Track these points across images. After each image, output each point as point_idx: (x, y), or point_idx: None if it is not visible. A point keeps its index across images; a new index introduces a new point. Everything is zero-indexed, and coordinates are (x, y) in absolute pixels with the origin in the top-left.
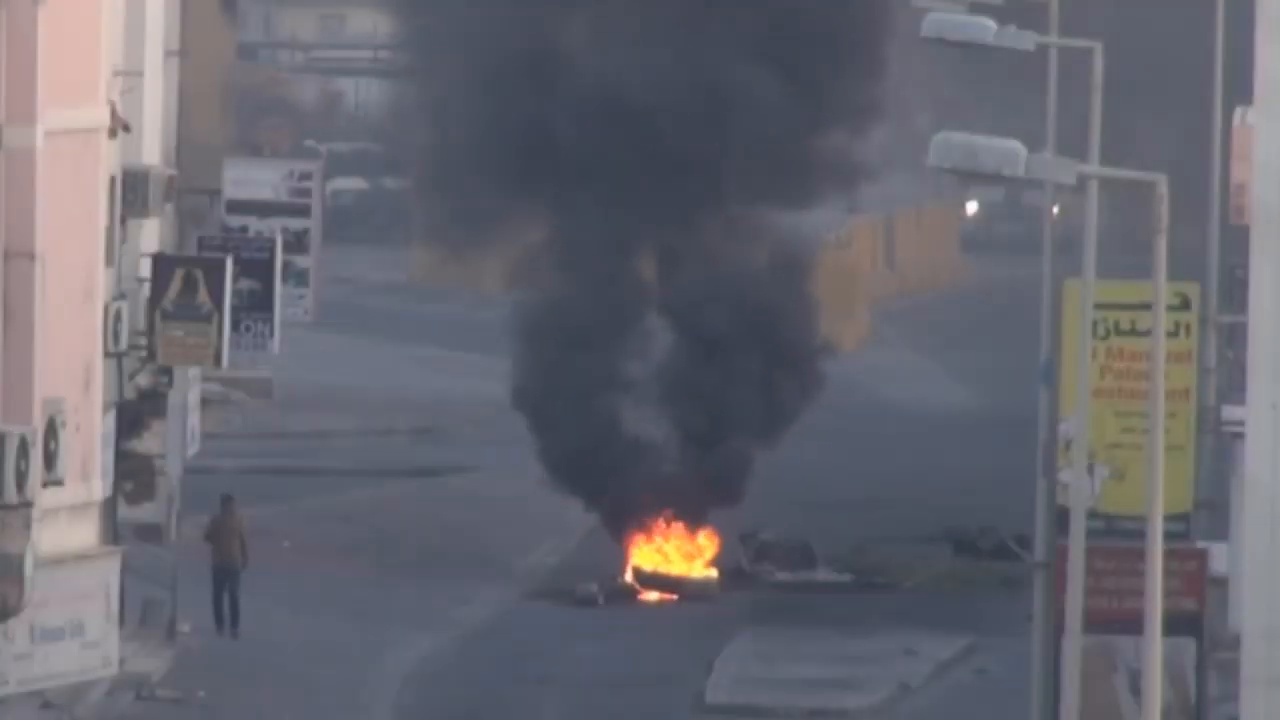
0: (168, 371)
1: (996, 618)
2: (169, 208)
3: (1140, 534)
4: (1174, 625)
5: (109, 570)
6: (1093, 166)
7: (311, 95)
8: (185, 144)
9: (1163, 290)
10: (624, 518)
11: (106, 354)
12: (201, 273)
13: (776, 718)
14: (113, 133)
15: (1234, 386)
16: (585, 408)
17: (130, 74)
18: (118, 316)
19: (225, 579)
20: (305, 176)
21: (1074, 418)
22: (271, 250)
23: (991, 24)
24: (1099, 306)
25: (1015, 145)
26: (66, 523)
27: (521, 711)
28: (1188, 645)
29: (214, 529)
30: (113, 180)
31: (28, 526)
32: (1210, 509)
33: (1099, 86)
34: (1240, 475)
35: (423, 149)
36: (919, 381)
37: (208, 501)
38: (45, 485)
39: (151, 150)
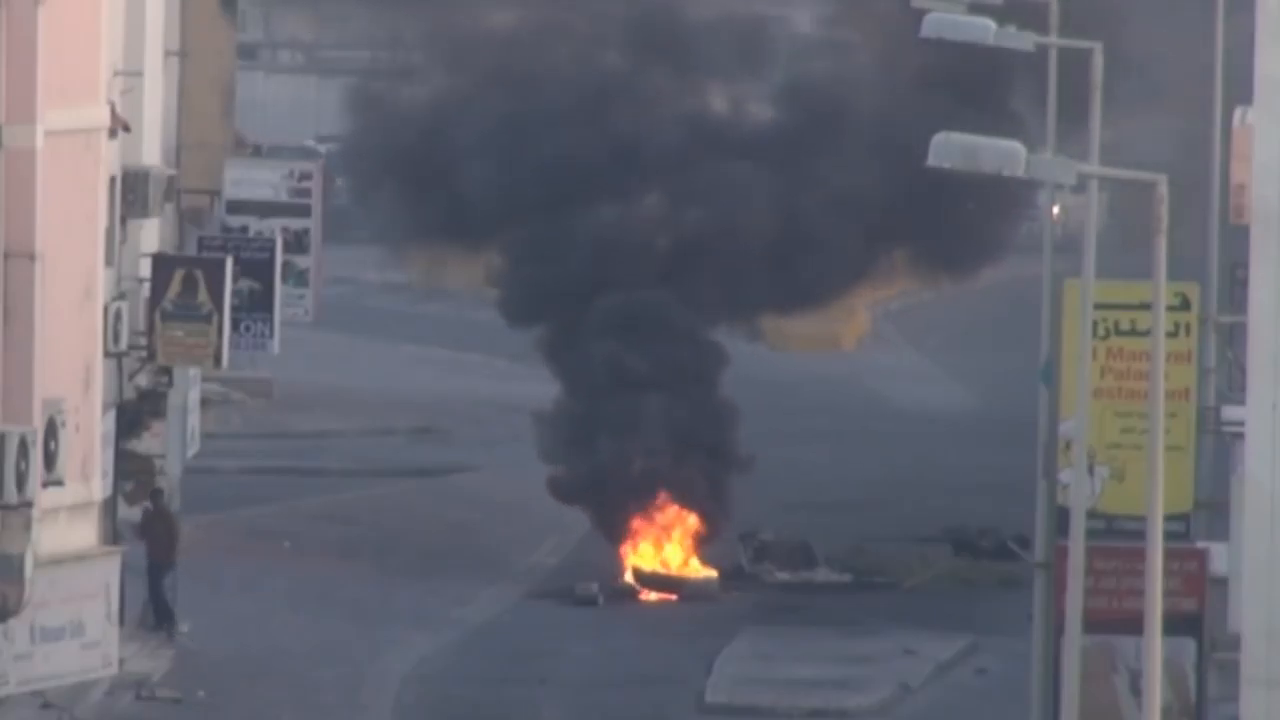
0: (168, 371)
1: (996, 618)
2: (169, 208)
3: (1140, 534)
4: (1174, 625)
5: (109, 570)
6: (1093, 166)
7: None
8: (185, 144)
9: (1163, 290)
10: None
11: (106, 354)
12: (201, 273)
13: (776, 718)
14: (113, 133)
15: (1234, 386)
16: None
17: (130, 74)
18: (118, 316)
19: (160, 575)
20: (305, 176)
21: (1074, 418)
22: (271, 250)
23: (991, 24)
24: (1099, 306)
25: (1015, 145)
26: (66, 523)
27: (521, 711)
28: (1188, 645)
29: (146, 523)
30: (113, 180)
31: (28, 526)
32: (1210, 509)
33: (1099, 86)
34: (1240, 475)
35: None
36: (919, 381)
37: (208, 502)
38: (45, 485)
39: (151, 150)
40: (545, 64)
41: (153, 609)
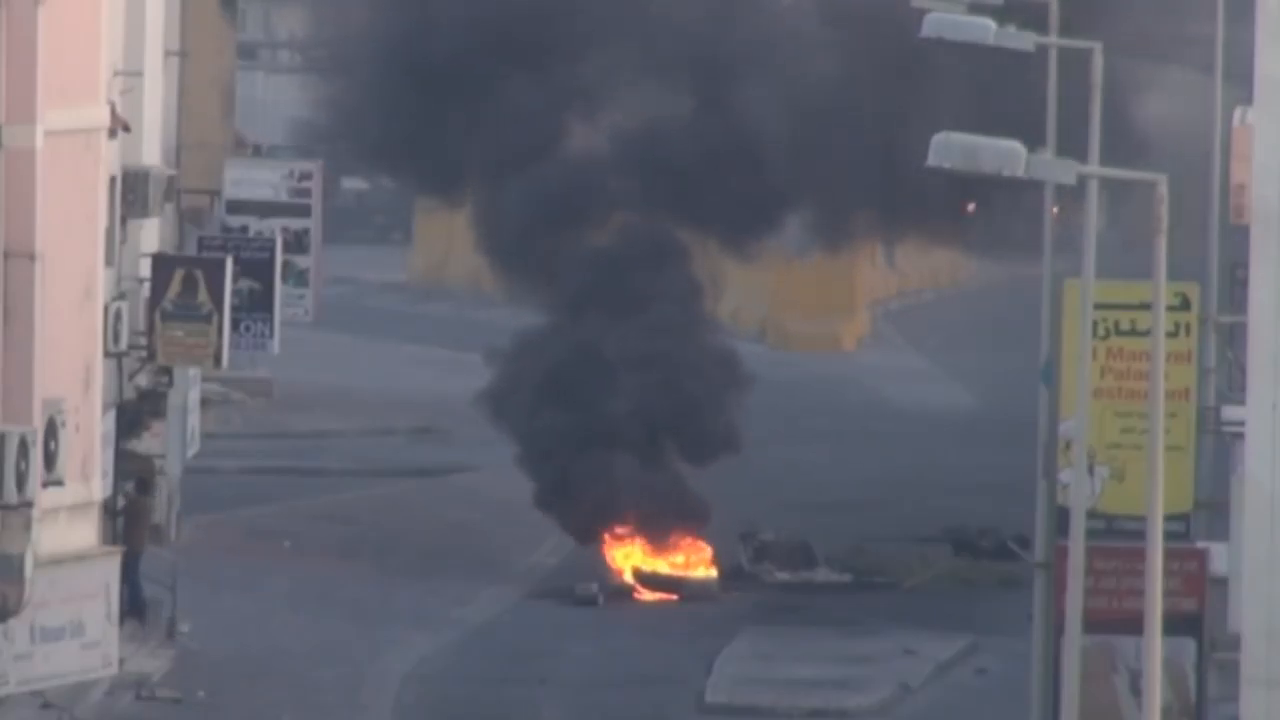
0: (168, 371)
1: (996, 618)
2: (169, 208)
3: (1140, 534)
4: (1174, 625)
5: (109, 570)
6: (1093, 167)
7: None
8: (185, 144)
9: (1163, 290)
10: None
11: (106, 354)
12: (201, 273)
13: (776, 718)
14: (113, 133)
15: (1234, 386)
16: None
17: (130, 74)
18: (118, 316)
19: (134, 564)
20: (305, 176)
21: (1074, 418)
22: (271, 250)
23: (991, 24)
24: (1099, 306)
25: (1015, 145)
26: (66, 523)
27: (521, 711)
28: (1188, 645)
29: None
30: (113, 180)
31: (28, 526)
32: (1210, 509)
33: (1099, 86)
34: (1240, 475)
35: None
36: (919, 381)
37: (208, 502)
38: (45, 485)
39: (151, 150)
40: None
41: (131, 598)
